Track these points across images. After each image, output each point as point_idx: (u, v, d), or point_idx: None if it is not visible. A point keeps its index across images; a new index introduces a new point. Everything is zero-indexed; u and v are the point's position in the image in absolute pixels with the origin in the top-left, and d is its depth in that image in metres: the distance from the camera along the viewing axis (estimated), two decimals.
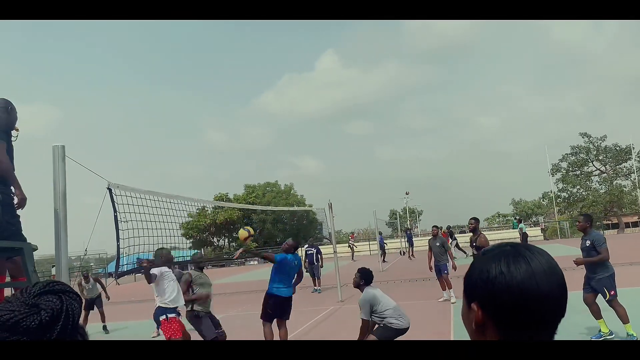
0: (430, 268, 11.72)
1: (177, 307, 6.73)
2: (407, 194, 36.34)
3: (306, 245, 17.22)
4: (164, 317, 6.53)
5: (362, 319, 6.09)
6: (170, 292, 6.63)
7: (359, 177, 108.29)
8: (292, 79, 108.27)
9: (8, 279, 4.61)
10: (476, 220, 8.96)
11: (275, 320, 7.58)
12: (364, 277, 6.34)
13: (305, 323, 10.66)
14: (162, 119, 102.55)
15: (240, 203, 45.70)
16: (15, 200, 4.30)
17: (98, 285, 12.21)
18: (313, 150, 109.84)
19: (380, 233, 27.65)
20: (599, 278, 6.85)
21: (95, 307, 12.02)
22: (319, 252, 16.65)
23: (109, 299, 12.57)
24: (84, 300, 11.60)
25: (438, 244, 11.60)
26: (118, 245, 4.89)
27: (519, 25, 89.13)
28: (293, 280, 7.88)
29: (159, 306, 6.62)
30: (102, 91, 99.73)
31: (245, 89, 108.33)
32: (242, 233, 7.88)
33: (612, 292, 6.80)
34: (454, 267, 11.56)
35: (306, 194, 61.49)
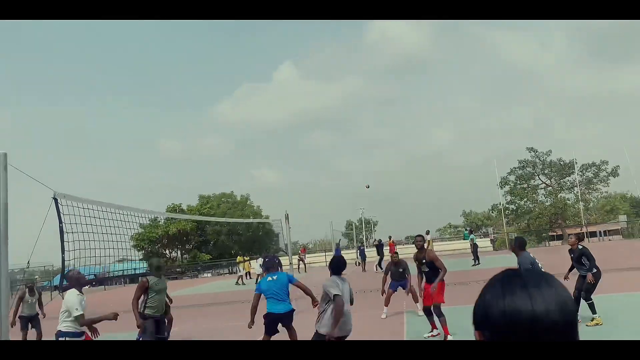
0: (383, 292, 11.33)
1: (82, 333, 6.32)
2: (367, 187, 36.10)
3: (260, 259, 17.01)
4: (62, 339, 6.17)
5: (335, 295, 5.74)
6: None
7: (316, 188, 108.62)
8: (249, 89, 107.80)
9: None
10: (422, 237, 8.80)
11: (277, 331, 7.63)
12: (331, 265, 6.21)
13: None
14: (113, 126, 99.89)
15: (193, 214, 44.89)
16: None
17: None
18: (271, 161, 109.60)
19: (337, 244, 27.54)
20: None
21: (32, 326, 10.70)
22: (279, 263, 16.45)
23: (44, 316, 11.14)
24: (19, 318, 10.69)
25: (401, 270, 11.21)
26: (63, 258, 4.72)
27: (472, 41, 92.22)
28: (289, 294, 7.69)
29: (60, 330, 6.21)
30: (48, 97, 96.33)
31: (201, 98, 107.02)
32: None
33: None
34: (409, 292, 11.11)
35: (263, 205, 60.99)
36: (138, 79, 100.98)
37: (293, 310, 7.60)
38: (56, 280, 32.22)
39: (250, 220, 40.05)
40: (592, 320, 8.57)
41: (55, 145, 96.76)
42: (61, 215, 4.70)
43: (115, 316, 6.36)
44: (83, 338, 6.33)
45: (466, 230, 40.49)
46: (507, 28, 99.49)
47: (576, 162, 46.83)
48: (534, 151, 48.99)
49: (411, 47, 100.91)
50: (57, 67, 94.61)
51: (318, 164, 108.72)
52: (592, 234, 39.49)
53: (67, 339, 6.13)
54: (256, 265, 26.60)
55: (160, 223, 46.32)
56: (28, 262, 5.07)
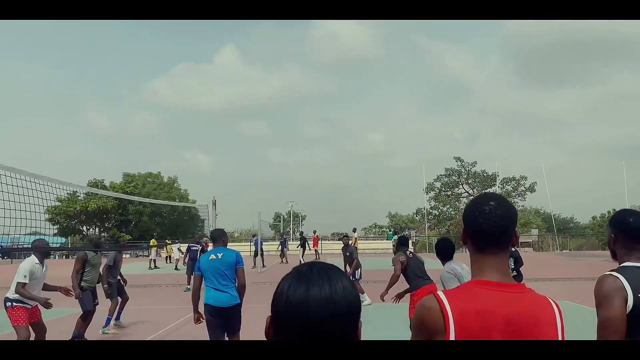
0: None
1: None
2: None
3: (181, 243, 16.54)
4: (10, 304, 6.30)
5: None
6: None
7: (247, 177, 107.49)
8: (188, 69, 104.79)
9: None
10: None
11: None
12: (440, 251, 5.33)
13: (173, 322, 10.31)
14: (35, 91, 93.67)
15: (116, 191, 43.09)
16: None
17: None
18: (203, 144, 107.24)
19: (254, 235, 27.00)
20: None
21: None
22: (204, 250, 16.06)
23: None
24: None
25: (348, 253, 12.09)
26: None
27: (415, 48, 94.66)
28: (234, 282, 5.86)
29: (7, 297, 6.35)
30: None
31: (135, 73, 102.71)
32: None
33: None
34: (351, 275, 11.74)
35: (191, 189, 59.60)
36: (67, 44, 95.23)
37: (240, 304, 5.82)
38: None
39: (176, 203, 39.05)
40: None
41: None
42: None
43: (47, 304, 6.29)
44: (30, 307, 6.33)
45: (390, 231, 41.63)
46: (449, 40, 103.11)
47: (498, 175, 49.41)
48: (460, 161, 51.17)
49: (355, 46, 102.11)
50: None
51: (251, 152, 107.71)
52: None
53: (14, 303, 6.19)
54: (176, 250, 25.90)
55: (79, 198, 44.06)
56: None
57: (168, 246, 29.42)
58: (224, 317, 5.67)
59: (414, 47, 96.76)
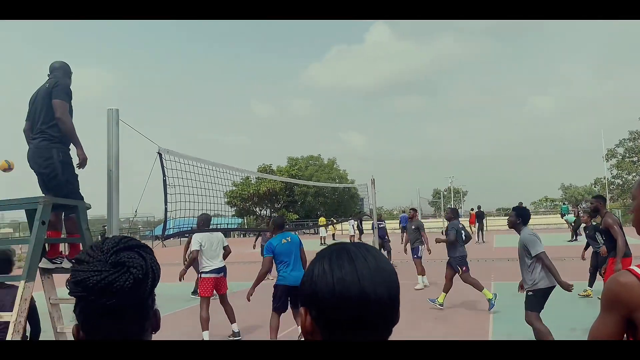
0: (405, 250, 12.01)
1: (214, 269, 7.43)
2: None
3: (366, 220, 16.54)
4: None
5: (541, 252, 5.37)
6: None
7: (404, 154, 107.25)
8: (340, 52, 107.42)
9: (64, 235, 4.85)
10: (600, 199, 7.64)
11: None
12: (521, 215, 5.64)
13: None
14: (213, 88, 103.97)
15: (283, 175, 46.21)
16: (77, 160, 4.48)
17: None
18: (359, 125, 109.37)
19: (403, 211, 26.79)
20: (452, 257, 8.72)
21: None
22: (384, 228, 15.74)
23: None
24: None
25: (413, 227, 11.56)
26: (166, 209, 5.02)
27: None
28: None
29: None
30: (155, 60, 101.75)
31: (292, 61, 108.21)
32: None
33: (464, 268, 8.63)
34: (429, 251, 11.64)
35: (349, 169, 61.51)
36: (234, 43, 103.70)
37: None
38: (158, 230, 34.78)
39: (337, 185, 40.55)
40: None
41: (164, 107, 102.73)
42: (165, 169, 4.98)
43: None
44: (220, 275, 7.32)
45: (565, 204, 38.27)
46: None
47: None
48: None
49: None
50: (163, 35, 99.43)
51: (407, 129, 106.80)
52: None
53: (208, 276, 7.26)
54: (350, 227, 26.74)
55: (251, 182, 48.16)
56: (135, 211, 5.50)
57: (330, 225, 30.71)
58: (295, 294, 6.35)
59: None
